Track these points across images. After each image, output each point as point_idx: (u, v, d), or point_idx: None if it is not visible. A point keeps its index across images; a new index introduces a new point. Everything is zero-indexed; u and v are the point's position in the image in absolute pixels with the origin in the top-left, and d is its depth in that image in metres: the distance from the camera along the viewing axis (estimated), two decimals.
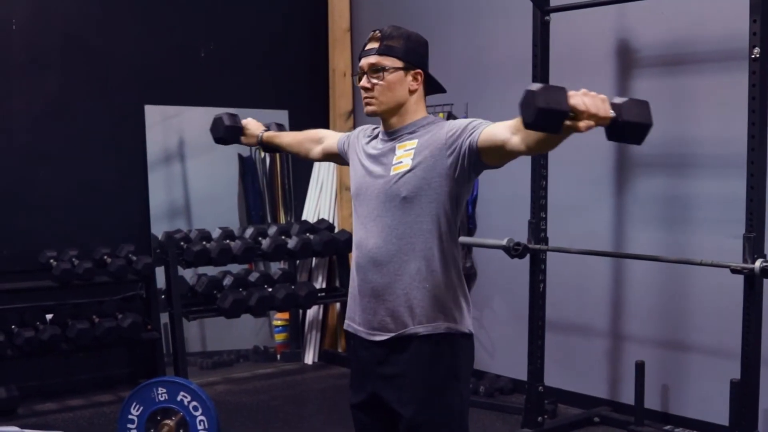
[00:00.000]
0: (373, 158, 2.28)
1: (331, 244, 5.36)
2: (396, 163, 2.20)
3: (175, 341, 4.94)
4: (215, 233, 5.17)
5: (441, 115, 4.67)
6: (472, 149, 2.07)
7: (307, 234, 5.37)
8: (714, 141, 4.04)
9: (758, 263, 3.33)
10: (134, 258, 4.77)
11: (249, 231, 5.27)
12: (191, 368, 5.16)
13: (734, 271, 3.40)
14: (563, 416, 4.46)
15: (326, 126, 5.73)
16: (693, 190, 4.13)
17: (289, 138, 2.82)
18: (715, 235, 3.94)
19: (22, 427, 3.89)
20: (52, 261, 4.61)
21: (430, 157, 2.15)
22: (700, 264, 3.62)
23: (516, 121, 1.94)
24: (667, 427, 4.04)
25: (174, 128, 5.40)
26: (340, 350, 5.75)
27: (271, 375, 5.48)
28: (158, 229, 5.16)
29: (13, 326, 4.48)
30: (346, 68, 5.82)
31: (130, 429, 3.60)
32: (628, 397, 4.23)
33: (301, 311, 5.74)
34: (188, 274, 5.20)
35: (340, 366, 5.54)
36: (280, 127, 2.92)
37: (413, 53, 2.23)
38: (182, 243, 5.02)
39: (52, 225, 4.88)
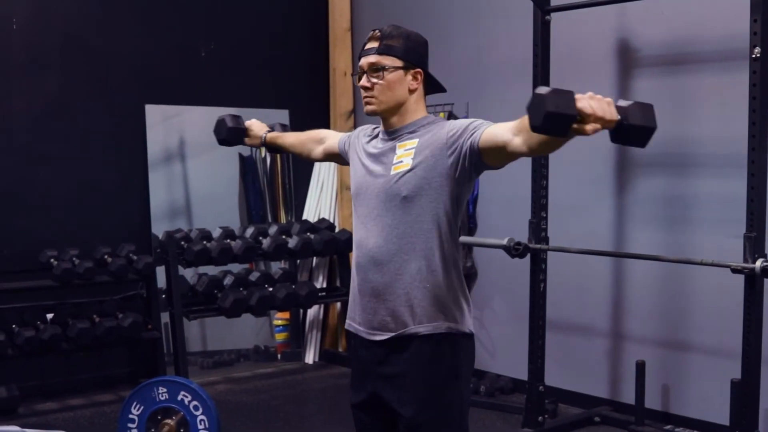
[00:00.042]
0: (374, 157, 2.28)
1: (332, 244, 5.36)
2: (396, 163, 2.20)
3: (176, 341, 4.94)
4: (216, 233, 5.17)
5: (442, 114, 4.67)
6: (473, 150, 2.07)
7: (308, 233, 5.37)
8: (714, 141, 4.04)
9: (759, 263, 3.33)
10: (135, 257, 4.77)
11: (249, 230, 5.27)
12: (192, 368, 5.16)
13: (735, 270, 3.40)
14: (564, 416, 4.46)
15: (327, 125, 5.74)
16: (693, 189, 4.12)
17: (291, 138, 2.82)
18: (716, 234, 3.94)
19: (23, 426, 3.89)
20: (52, 260, 4.61)
21: (430, 157, 2.15)
22: (701, 264, 3.62)
23: (518, 122, 1.94)
24: (668, 427, 4.04)
25: (174, 128, 5.40)
26: (340, 350, 5.75)
27: (272, 374, 5.48)
28: (159, 228, 5.16)
29: (13, 326, 4.48)
30: (346, 67, 5.82)
31: (131, 428, 3.60)
32: (628, 397, 4.23)
33: (301, 311, 5.74)
34: (189, 273, 5.20)
35: (340, 366, 5.54)
36: (284, 128, 2.91)
37: (413, 52, 2.23)
38: (183, 242, 5.02)
39: (53, 225, 4.88)
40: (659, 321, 4.33)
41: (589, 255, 4.20)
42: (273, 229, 5.33)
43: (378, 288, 2.21)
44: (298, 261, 5.70)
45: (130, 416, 3.60)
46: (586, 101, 1.69)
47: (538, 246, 4.18)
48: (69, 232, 4.90)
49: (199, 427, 3.57)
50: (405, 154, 2.19)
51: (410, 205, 2.16)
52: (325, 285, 5.77)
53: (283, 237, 5.26)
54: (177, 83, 5.37)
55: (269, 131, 2.88)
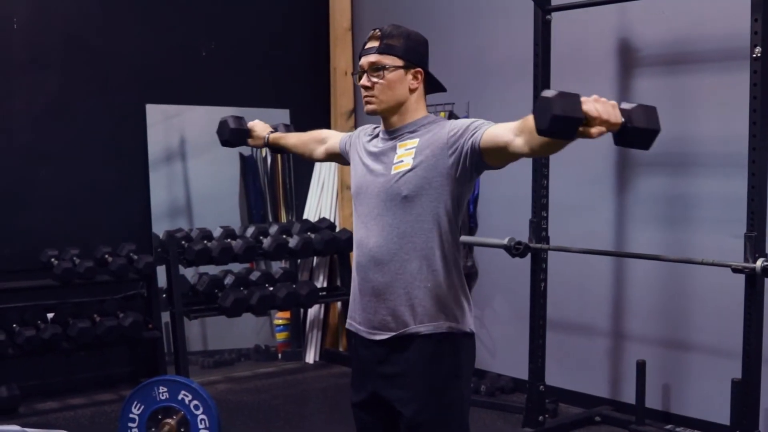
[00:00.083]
0: (374, 156, 2.28)
1: (333, 243, 5.36)
2: (397, 162, 2.20)
3: (176, 340, 4.94)
4: (216, 232, 5.17)
5: (442, 114, 4.67)
6: (474, 150, 2.07)
7: (309, 233, 5.37)
8: (715, 140, 4.04)
9: (759, 262, 3.33)
10: (135, 257, 4.77)
11: (250, 230, 5.27)
12: (192, 367, 5.16)
13: (735, 270, 3.40)
14: (564, 415, 4.46)
15: (327, 125, 5.74)
16: (694, 189, 4.12)
17: (294, 139, 2.83)
18: (716, 234, 3.94)
19: (24, 425, 3.89)
20: (53, 260, 4.62)
21: (431, 157, 2.15)
22: (701, 263, 3.62)
23: (519, 123, 1.94)
24: (668, 427, 4.04)
25: (175, 127, 5.41)
26: (341, 349, 5.75)
27: (272, 374, 5.48)
28: (159, 228, 5.16)
29: (14, 325, 4.48)
30: (347, 67, 5.82)
31: (131, 428, 3.60)
32: (629, 397, 4.23)
33: (302, 310, 5.74)
34: (189, 273, 5.20)
35: (341, 365, 5.54)
36: (288, 128, 2.91)
37: (413, 52, 2.23)
38: (183, 242, 5.02)
39: (53, 224, 4.88)
40: (660, 320, 4.33)
41: (589, 254, 4.20)
42: (273, 229, 5.33)
43: (378, 287, 2.21)
44: (299, 260, 5.70)
45: (131, 415, 3.61)
46: (592, 104, 1.69)
47: (539, 245, 4.18)
48: (69, 232, 4.91)
49: (200, 426, 3.57)
50: (405, 154, 2.19)
51: (411, 205, 2.16)
52: (325, 284, 5.77)
53: (284, 236, 5.26)
54: (178, 83, 5.37)
55: (272, 132, 2.88)
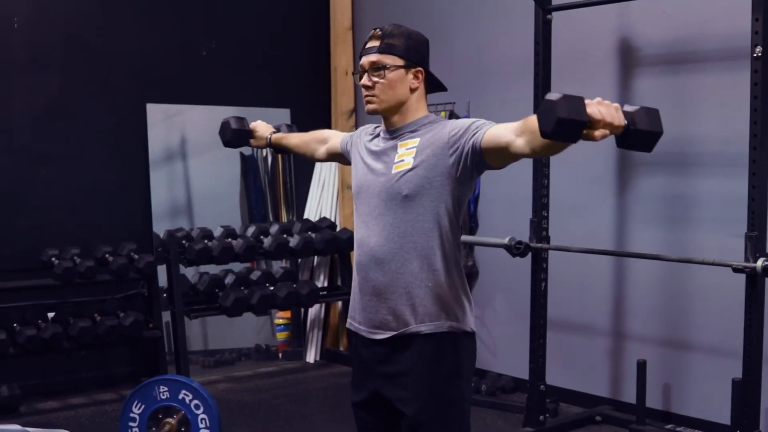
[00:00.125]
0: (375, 155, 2.28)
1: (333, 243, 5.36)
2: (398, 162, 2.20)
3: (177, 340, 4.95)
4: (217, 232, 5.17)
5: (443, 113, 4.67)
6: (475, 150, 2.07)
7: (309, 232, 5.37)
8: (716, 140, 4.04)
9: (760, 262, 3.33)
10: (136, 256, 4.77)
11: (251, 229, 5.27)
12: (193, 367, 5.16)
13: (736, 270, 3.40)
14: (565, 415, 4.46)
15: (328, 125, 5.74)
16: (695, 188, 4.12)
17: (295, 139, 2.83)
18: (717, 234, 3.94)
19: (24, 425, 3.89)
20: (53, 259, 4.62)
21: (432, 156, 2.15)
22: (702, 263, 3.62)
23: (521, 123, 1.94)
24: (669, 426, 4.04)
25: (176, 127, 5.41)
26: (341, 349, 5.75)
27: (273, 373, 5.48)
28: (160, 227, 5.16)
29: (14, 324, 4.49)
30: (347, 66, 5.82)
31: (132, 427, 3.60)
32: (629, 396, 4.23)
33: (302, 310, 5.74)
34: (190, 272, 5.20)
35: (341, 365, 5.54)
36: (290, 128, 2.90)
37: (414, 51, 2.23)
38: (184, 241, 5.02)
39: (54, 224, 4.88)
40: (660, 320, 4.33)
41: (590, 254, 4.20)
42: (274, 228, 5.33)
43: (379, 287, 2.21)
44: (300, 260, 5.70)
45: (132, 415, 3.60)
46: (595, 107, 1.69)
47: (540, 245, 4.18)
48: (70, 231, 4.91)
49: (200, 426, 3.57)
50: (406, 153, 2.19)
51: (411, 204, 2.16)
52: (326, 284, 5.77)
53: (285, 236, 5.26)
54: (178, 82, 5.37)
55: (274, 132, 2.88)
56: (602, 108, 1.69)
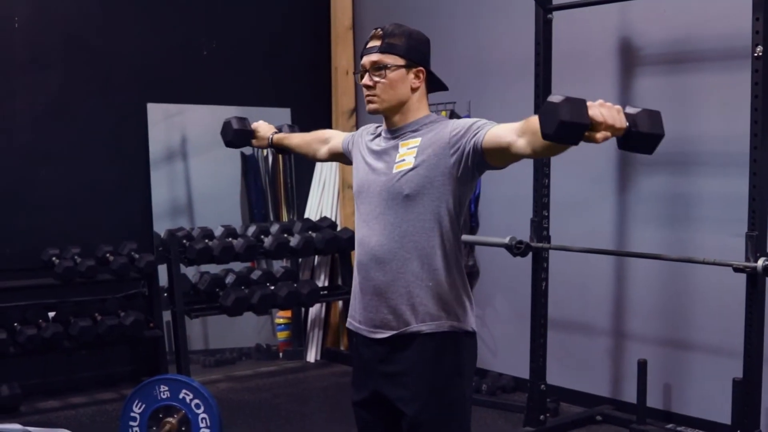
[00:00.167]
0: (376, 155, 2.28)
1: (334, 242, 5.36)
2: (399, 161, 2.20)
3: (178, 339, 4.95)
4: (218, 231, 5.17)
5: (444, 113, 4.67)
6: (476, 150, 2.07)
7: (310, 232, 5.37)
8: (716, 139, 4.04)
9: (761, 262, 3.33)
10: (137, 256, 4.77)
11: (251, 229, 5.27)
12: (193, 366, 5.16)
13: (737, 269, 3.40)
14: (565, 414, 4.46)
15: (329, 124, 5.74)
16: (695, 188, 4.12)
17: (297, 139, 2.83)
18: (718, 233, 3.94)
19: (25, 424, 3.89)
20: (54, 259, 4.62)
21: (433, 156, 2.15)
22: (703, 262, 3.62)
23: (522, 124, 1.94)
24: (670, 426, 4.04)
25: (176, 126, 5.41)
26: (342, 348, 5.75)
27: (274, 373, 5.48)
28: (160, 227, 5.17)
29: (15, 324, 4.49)
30: (348, 66, 5.82)
31: (133, 427, 3.60)
32: (630, 396, 4.23)
33: (303, 309, 5.74)
34: (191, 272, 5.21)
35: (342, 364, 5.54)
36: (292, 129, 2.90)
37: (415, 51, 2.23)
38: (185, 241, 5.02)
39: (54, 223, 4.88)
40: (661, 320, 4.32)
41: (590, 254, 4.20)
42: (275, 228, 5.33)
43: (380, 286, 2.21)
44: (300, 259, 5.70)
45: (132, 414, 3.61)
46: (597, 109, 1.69)
47: (540, 245, 4.18)
48: (70, 231, 4.91)
49: (201, 425, 3.57)
50: (407, 153, 2.19)
51: (412, 204, 2.16)
52: (326, 283, 5.77)
53: (285, 235, 5.27)
54: (179, 82, 5.37)
55: (276, 132, 2.88)
56: (604, 110, 1.69)
